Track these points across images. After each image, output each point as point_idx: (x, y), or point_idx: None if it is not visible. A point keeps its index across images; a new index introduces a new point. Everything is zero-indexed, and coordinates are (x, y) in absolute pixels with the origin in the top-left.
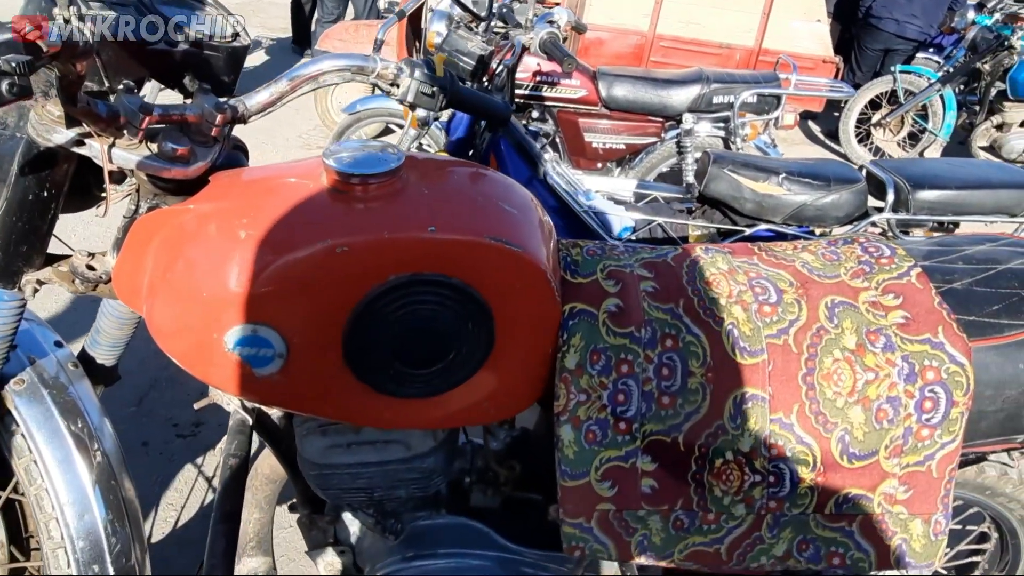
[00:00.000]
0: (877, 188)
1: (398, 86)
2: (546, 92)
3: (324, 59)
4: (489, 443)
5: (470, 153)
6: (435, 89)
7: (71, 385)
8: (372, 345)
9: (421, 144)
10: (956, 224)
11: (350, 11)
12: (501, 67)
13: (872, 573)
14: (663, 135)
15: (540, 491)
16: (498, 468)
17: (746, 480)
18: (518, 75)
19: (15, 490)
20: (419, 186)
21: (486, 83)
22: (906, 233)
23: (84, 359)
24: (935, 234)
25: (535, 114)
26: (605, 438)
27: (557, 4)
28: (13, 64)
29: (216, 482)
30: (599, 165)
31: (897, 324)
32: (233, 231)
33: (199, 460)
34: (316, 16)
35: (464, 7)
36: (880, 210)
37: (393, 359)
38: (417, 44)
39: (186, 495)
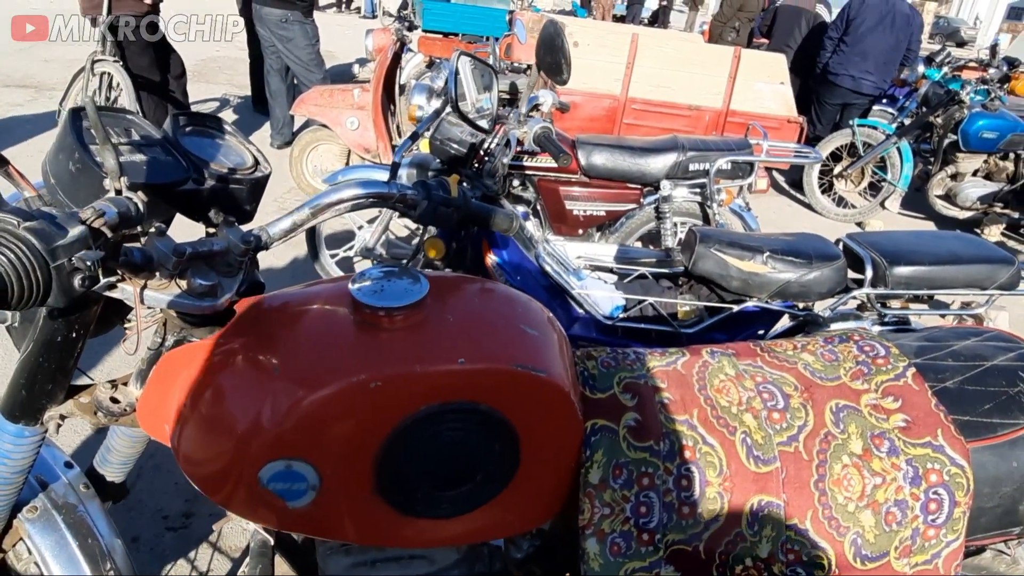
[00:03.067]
0: (855, 263)
1: (416, 209)
2: (527, 162)
3: (344, 188)
4: (511, 552)
5: (462, 234)
6: (450, 210)
7: (81, 505)
8: (403, 472)
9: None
10: (931, 296)
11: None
12: (495, 152)
13: None
14: (642, 201)
15: None
16: (518, 574)
17: None
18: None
19: None
20: (444, 313)
21: (476, 167)
22: (883, 305)
23: (93, 476)
24: (911, 305)
25: (516, 183)
26: (629, 550)
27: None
28: (88, 263)
29: None
30: (580, 231)
31: (899, 428)
32: (264, 366)
33: (192, 554)
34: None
35: (471, 123)
36: (860, 283)
37: (423, 483)
38: (392, 107)
39: None
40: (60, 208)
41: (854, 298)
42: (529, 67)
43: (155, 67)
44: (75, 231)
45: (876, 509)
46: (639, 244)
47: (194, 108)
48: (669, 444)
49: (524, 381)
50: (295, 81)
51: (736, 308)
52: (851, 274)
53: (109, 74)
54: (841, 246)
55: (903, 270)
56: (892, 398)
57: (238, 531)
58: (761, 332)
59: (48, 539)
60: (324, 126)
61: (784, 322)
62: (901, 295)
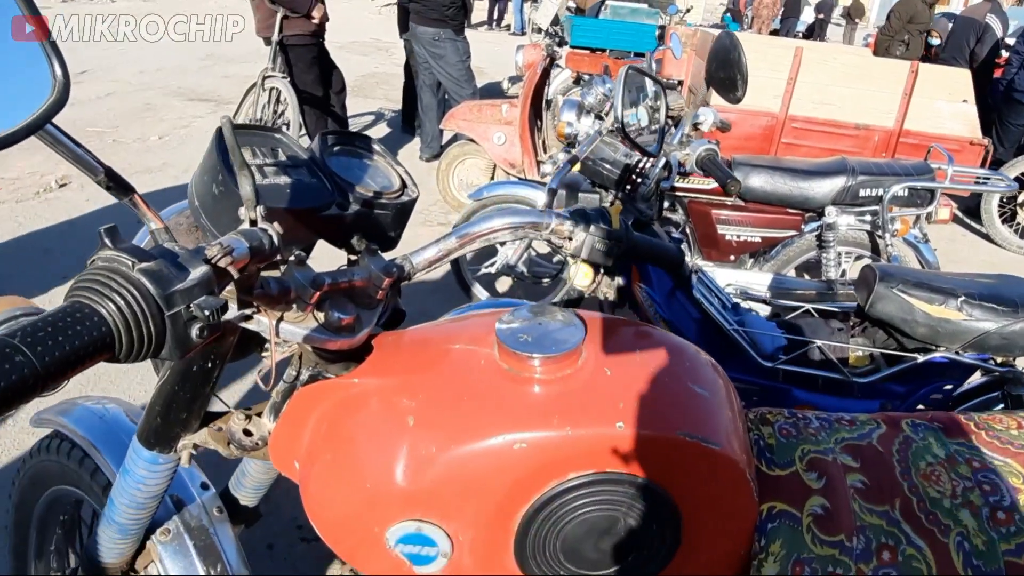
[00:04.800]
0: None
1: (571, 239)
2: (678, 183)
3: (496, 216)
4: None
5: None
6: (611, 243)
7: (213, 529)
8: (546, 546)
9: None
10: None
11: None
12: (650, 175)
13: None
14: (803, 228)
15: None
16: None
17: None
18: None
19: None
20: (600, 366)
21: (628, 190)
22: None
23: (227, 499)
24: None
25: (665, 204)
26: None
27: (680, 83)
28: (206, 312)
29: None
30: (732, 258)
31: None
32: (400, 415)
33: (322, 569)
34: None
35: (636, 145)
36: None
37: (568, 560)
38: (539, 123)
39: None
40: (187, 242)
41: None
42: (680, 83)
43: (318, 83)
44: (197, 272)
45: None
46: (796, 274)
47: (351, 121)
48: (865, 541)
49: (692, 452)
50: (446, 96)
51: (921, 359)
52: None
53: (277, 89)
54: None
55: None
56: None
57: None
58: (948, 387)
59: (178, 564)
60: (472, 140)
61: (976, 378)
62: None
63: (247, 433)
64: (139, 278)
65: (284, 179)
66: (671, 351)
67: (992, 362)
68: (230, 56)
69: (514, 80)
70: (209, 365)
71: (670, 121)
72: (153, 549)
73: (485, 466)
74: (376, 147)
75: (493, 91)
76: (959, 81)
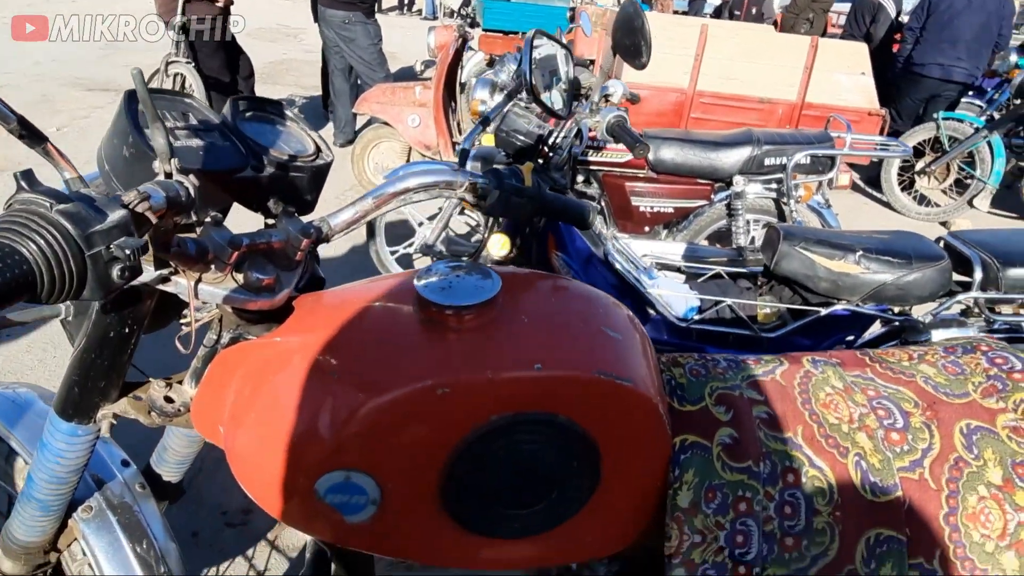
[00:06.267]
0: (960, 264)
1: (486, 198)
2: (592, 156)
3: (409, 175)
4: None
5: (526, 231)
6: (524, 200)
7: (137, 506)
8: (471, 487)
9: (463, 210)
10: None
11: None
12: (562, 145)
13: None
14: (712, 197)
15: None
16: None
17: None
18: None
19: None
20: (517, 313)
21: (541, 161)
22: (992, 311)
23: (149, 475)
24: (1023, 310)
25: (580, 178)
26: None
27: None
28: (127, 251)
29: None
30: (646, 229)
31: None
32: (322, 367)
33: (250, 552)
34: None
35: (545, 107)
36: (965, 286)
37: (492, 501)
38: (453, 105)
39: None
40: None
41: (958, 303)
42: (592, 62)
43: (225, 68)
44: (115, 216)
45: (1020, 551)
46: (707, 243)
47: None
48: (770, 465)
49: (607, 390)
50: (359, 81)
51: (824, 311)
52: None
53: (182, 75)
54: (943, 245)
55: (1019, 272)
56: None
57: (297, 531)
58: (850, 338)
59: (102, 541)
60: (386, 124)
61: (876, 328)
62: (1016, 300)
63: (168, 400)
64: (58, 218)
65: (196, 142)
66: (586, 299)
67: (890, 312)
68: (131, 46)
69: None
70: (127, 331)
71: (582, 94)
72: (75, 527)
73: (408, 413)
74: (288, 113)
75: (406, 76)
76: (857, 54)
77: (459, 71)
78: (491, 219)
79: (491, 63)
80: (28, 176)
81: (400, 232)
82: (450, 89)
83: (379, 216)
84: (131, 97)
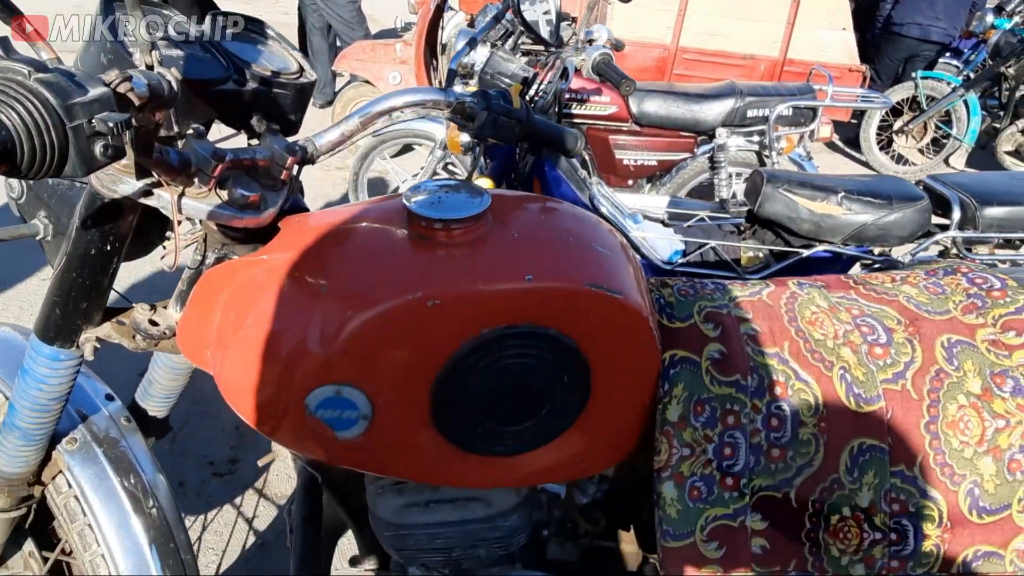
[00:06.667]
0: (939, 205)
1: (473, 120)
2: (575, 109)
3: (396, 94)
4: (576, 496)
5: (511, 177)
6: (512, 122)
7: (123, 440)
8: (462, 403)
9: (447, 165)
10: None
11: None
12: (547, 89)
13: None
14: (695, 150)
15: (623, 541)
16: (582, 521)
17: (865, 538)
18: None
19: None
20: (507, 229)
21: (528, 102)
22: (969, 251)
23: (135, 411)
24: (998, 251)
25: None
26: (711, 495)
27: (575, 18)
28: (110, 124)
29: (257, 524)
30: (630, 182)
31: None
32: (311, 283)
33: (238, 500)
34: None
35: (534, 32)
36: (944, 227)
37: (483, 416)
38: (435, 63)
39: (227, 538)
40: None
41: (936, 243)
42: (574, 19)
43: None
44: (97, 91)
45: (998, 456)
46: (690, 196)
47: None
48: (757, 379)
49: (598, 303)
50: (336, 40)
51: (806, 253)
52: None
53: None
54: (923, 187)
55: (995, 211)
56: (1014, 333)
57: (284, 478)
58: None
59: (88, 472)
60: (366, 82)
61: (856, 270)
62: (992, 239)
63: (153, 324)
64: (37, 87)
65: (176, 52)
66: (576, 217)
67: (871, 253)
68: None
69: (408, 26)
70: (108, 248)
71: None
72: (60, 459)
73: (399, 326)
74: (270, 31)
75: (385, 37)
76: (838, 10)
77: (440, 30)
78: (475, 162)
79: (472, 24)
80: (4, 43)
81: (383, 192)
82: (431, 47)
83: (362, 171)
84: (108, 4)
